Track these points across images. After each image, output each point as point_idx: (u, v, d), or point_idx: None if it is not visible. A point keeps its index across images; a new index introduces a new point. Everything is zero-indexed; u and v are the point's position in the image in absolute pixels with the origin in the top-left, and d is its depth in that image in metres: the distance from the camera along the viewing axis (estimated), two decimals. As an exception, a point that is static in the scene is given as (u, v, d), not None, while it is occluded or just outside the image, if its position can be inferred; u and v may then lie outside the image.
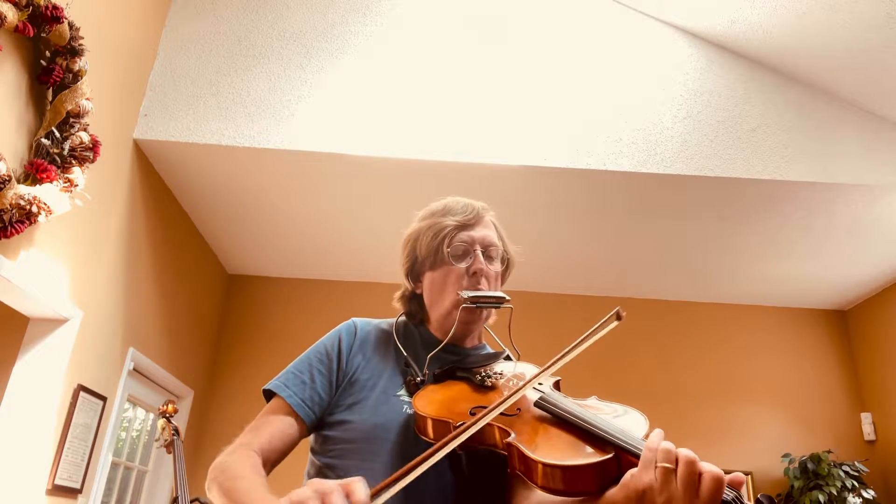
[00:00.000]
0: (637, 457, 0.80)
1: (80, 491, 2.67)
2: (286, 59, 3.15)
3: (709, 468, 0.75)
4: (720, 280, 4.13)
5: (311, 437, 1.13)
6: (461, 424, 0.88)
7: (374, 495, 0.72)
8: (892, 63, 2.94)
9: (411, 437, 1.02)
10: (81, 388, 2.63)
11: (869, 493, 3.53)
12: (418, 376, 1.10)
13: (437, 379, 1.10)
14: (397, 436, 1.04)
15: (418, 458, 0.80)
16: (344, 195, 3.36)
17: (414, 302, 1.23)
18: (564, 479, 0.83)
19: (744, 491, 0.76)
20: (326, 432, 1.09)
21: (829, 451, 3.76)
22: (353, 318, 1.21)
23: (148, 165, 3.12)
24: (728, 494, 0.74)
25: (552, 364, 0.92)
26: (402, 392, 1.10)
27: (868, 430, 4.08)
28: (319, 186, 3.30)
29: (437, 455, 0.80)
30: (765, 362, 4.30)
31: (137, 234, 3.07)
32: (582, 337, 0.91)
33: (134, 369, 3.14)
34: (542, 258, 3.97)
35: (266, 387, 1.11)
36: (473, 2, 3.31)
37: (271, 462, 1.04)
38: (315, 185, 3.28)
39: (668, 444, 0.78)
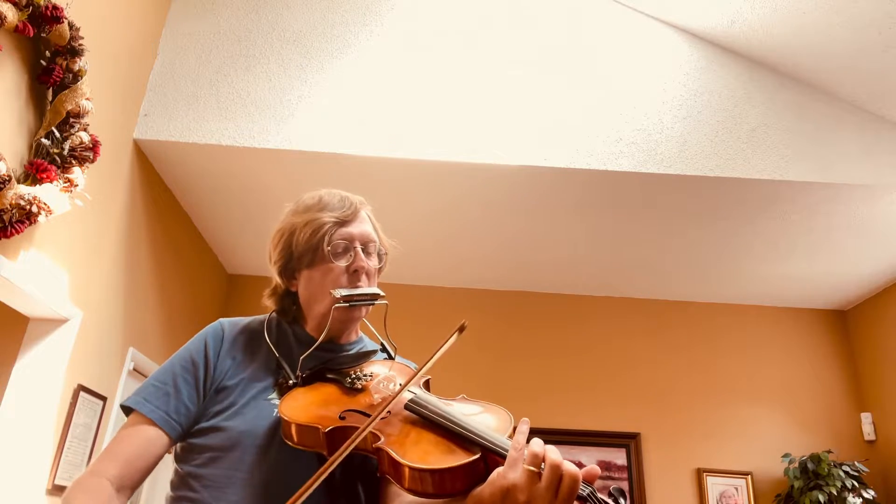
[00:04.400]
0: (502, 456, 0.83)
1: (80, 491, 2.67)
2: (286, 59, 3.14)
3: (568, 468, 0.79)
4: (720, 280, 4.13)
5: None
6: (332, 429, 0.90)
7: None
8: (892, 63, 2.94)
9: (278, 443, 0.98)
10: (81, 388, 2.63)
11: (869, 493, 3.53)
12: (290, 378, 1.06)
13: (306, 381, 1.06)
14: (265, 441, 1.00)
15: (311, 480, 0.80)
16: (344, 195, 3.36)
17: (287, 299, 1.18)
18: (433, 482, 0.84)
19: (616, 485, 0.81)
20: (192, 440, 1.04)
21: (829, 451, 3.76)
22: (221, 319, 1.16)
23: (148, 165, 3.12)
24: (583, 490, 0.79)
25: (421, 370, 0.94)
26: (274, 396, 1.05)
27: (868, 430, 4.07)
28: (319, 186, 3.27)
29: (327, 471, 0.82)
30: (765, 362, 4.30)
31: (137, 234, 3.07)
32: (439, 348, 0.94)
33: (134, 369, 3.14)
34: (542, 258, 3.96)
35: (124, 403, 1.04)
36: (473, 2, 3.31)
37: (133, 483, 0.98)
38: (315, 184, 3.25)
39: (536, 448, 0.81)
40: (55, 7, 2.14)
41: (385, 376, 1.10)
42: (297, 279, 1.16)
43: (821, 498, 3.48)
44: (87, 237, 2.63)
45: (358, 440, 0.85)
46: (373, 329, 1.24)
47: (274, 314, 1.19)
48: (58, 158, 2.20)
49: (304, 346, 1.11)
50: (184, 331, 3.74)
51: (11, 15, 1.98)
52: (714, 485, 3.94)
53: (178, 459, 1.05)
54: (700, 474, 3.97)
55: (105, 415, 2.84)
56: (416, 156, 3.00)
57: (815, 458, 3.68)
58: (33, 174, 2.13)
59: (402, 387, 0.94)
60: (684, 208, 3.31)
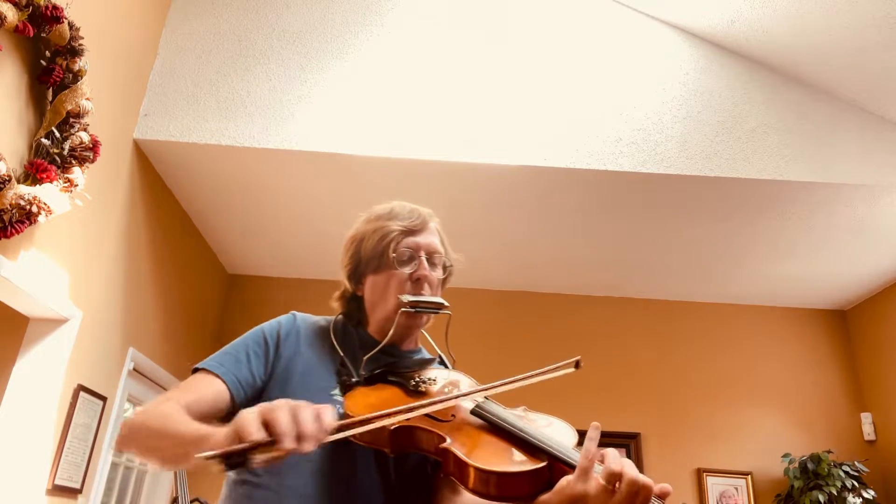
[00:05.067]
0: (569, 465, 0.84)
1: (80, 491, 2.67)
2: (286, 59, 3.14)
3: (644, 482, 0.80)
4: (720, 280, 4.13)
5: None
6: (397, 427, 0.91)
7: (336, 429, 0.77)
8: (892, 63, 2.94)
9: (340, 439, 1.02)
10: (81, 388, 2.63)
11: (869, 493, 3.53)
12: (353, 376, 1.09)
13: (368, 382, 1.09)
14: None
15: (387, 411, 0.87)
16: (344, 195, 3.36)
17: (353, 303, 1.23)
18: (499, 484, 0.86)
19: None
20: None
21: (829, 451, 3.76)
22: (294, 312, 1.21)
23: (148, 165, 3.12)
24: None
25: (494, 387, 0.95)
26: (336, 392, 1.08)
27: (868, 430, 4.07)
28: (319, 186, 3.30)
29: (407, 413, 0.88)
30: (765, 362, 4.30)
31: (137, 234, 3.06)
32: (534, 372, 0.95)
33: (134, 369, 3.14)
34: (542, 258, 3.96)
35: (198, 365, 1.08)
36: (473, 2, 3.31)
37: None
38: (315, 185, 3.28)
39: (613, 466, 0.81)
40: (55, 7, 2.14)
41: (448, 381, 1.12)
42: (363, 283, 1.21)
43: (821, 498, 3.48)
44: (87, 237, 2.63)
45: (436, 408, 0.90)
46: (431, 341, 1.27)
47: (340, 316, 1.23)
48: (58, 158, 2.20)
49: (367, 349, 1.15)
50: (184, 331, 3.74)
51: (11, 15, 1.98)
52: (714, 485, 3.94)
53: None
54: (700, 474, 3.97)
55: (105, 415, 2.84)
56: (416, 156, 3.00)
57: (815, 458, 3.68)
58: (33, 174, 2.13)
59: (477, 390, 0.96)
60: (684, 208, 3.31)
